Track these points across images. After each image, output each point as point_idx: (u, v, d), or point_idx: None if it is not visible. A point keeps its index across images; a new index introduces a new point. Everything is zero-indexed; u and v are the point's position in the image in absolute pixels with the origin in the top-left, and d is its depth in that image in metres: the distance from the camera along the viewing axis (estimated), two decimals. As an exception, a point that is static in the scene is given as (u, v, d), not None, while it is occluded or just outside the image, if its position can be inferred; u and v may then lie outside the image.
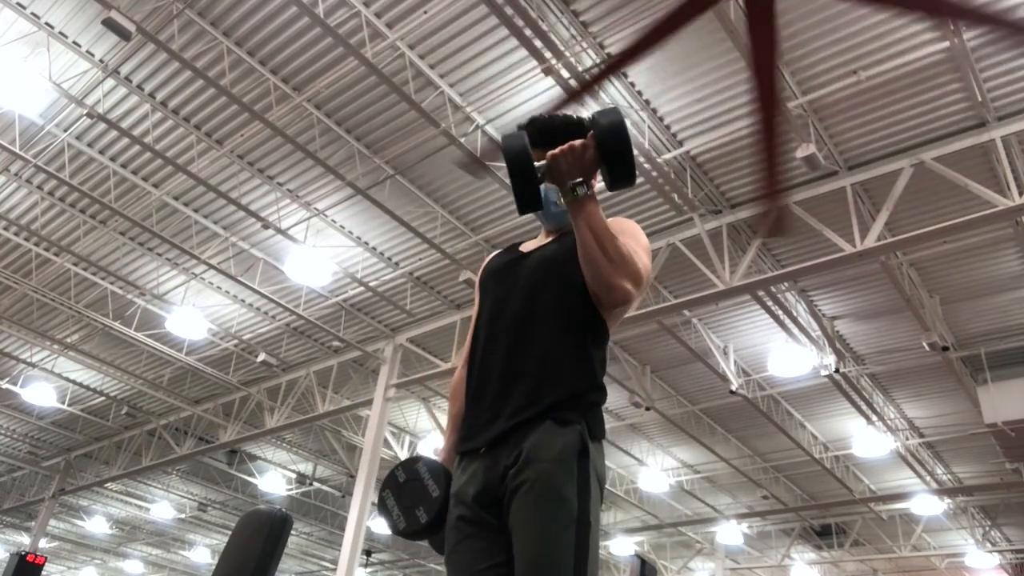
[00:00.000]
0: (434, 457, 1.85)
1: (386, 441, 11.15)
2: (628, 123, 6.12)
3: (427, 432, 12.21)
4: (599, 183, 1.79)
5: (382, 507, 1.80)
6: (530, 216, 1.88)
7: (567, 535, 1.49)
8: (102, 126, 7.03)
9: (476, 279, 1.99)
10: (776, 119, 0.99)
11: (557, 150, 1.64)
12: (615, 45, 5.85)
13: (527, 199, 1.66)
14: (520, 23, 5.37)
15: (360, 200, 7.45)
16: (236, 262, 8.58)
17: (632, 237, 1.81)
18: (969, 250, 7.56)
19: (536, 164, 1.67)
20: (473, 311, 1.93)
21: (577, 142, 1.64)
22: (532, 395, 1.64)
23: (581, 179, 1.64)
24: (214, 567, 2.23)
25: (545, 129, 1.84)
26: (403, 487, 1.79)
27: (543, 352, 1.69)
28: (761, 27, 0.95)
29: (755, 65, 0.97)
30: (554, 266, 1.78)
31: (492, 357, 1.74)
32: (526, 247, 1.93)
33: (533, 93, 6.29)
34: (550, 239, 1.90)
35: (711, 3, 1.00)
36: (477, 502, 1.63)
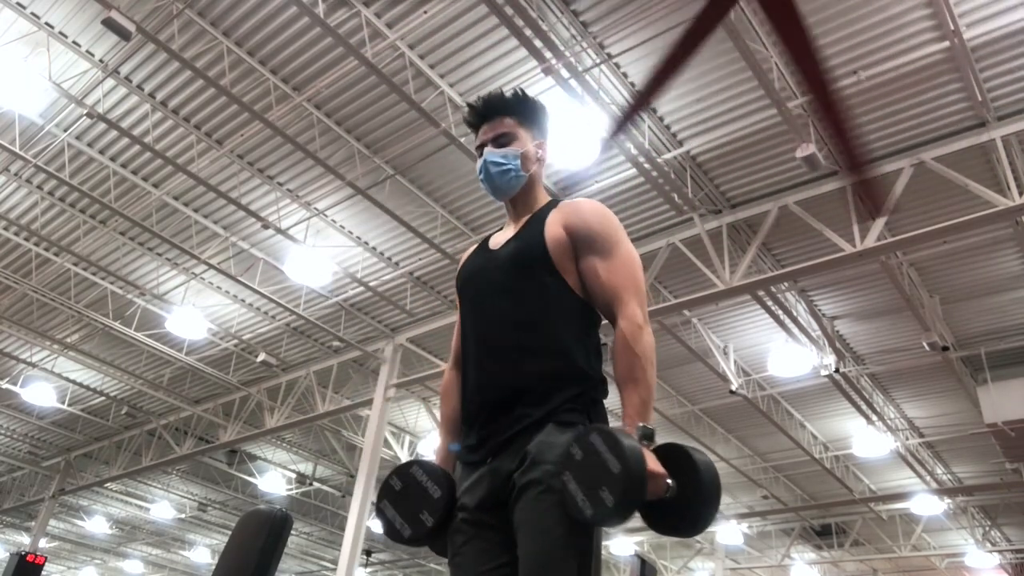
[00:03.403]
0: (428, 460, 1.81)
1: (386, 441, 11.15)
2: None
3: (427, 432, 12.21)
4: None
5: (381, 517, 1.74)
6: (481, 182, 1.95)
7: (572, 536, 1.50)
8: (102, 126, 7.03)
9: (455, 282, 1.98)
10: (831, 93, 0.97)
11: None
12: (615, 45, 5.85)
13: None
14: (520, 23, 5.37)
15: (360, 200, 7.44)
16: (236, 262, 8.58)
17: (611, 250, 1.74)
18: (969, 250, 7.56)
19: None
20: (456, 314, 1.93)
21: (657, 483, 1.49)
22: (533, 399, 1.65)
23: (646, 428, 1.54)
24: (214, 567, 2.23)
25: (488, 107, 1.92)
26: (400, 494, 1.73)
27: (534, 354, 1.69)
28: (784, 16, 0.95)
29: (792, 51, 0.97)
30: (525, 267, 1.76)
31: (486, 367, 1.74)
32: (494, 241, 1.92)
33: (533, 93, 6.27)
34: (514, 231, 1.89)
35: (727, 9, 0.99)
36: (481, 505, 1.64)
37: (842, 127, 0.98)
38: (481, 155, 1.90)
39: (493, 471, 1.64)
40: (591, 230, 1.76)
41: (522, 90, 1.95)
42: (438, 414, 10.35)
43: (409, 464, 1.79)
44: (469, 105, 1.96)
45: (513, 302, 1.74)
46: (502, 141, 1.88)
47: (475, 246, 1.99)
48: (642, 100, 1.32)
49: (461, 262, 1.98)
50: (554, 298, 1.72)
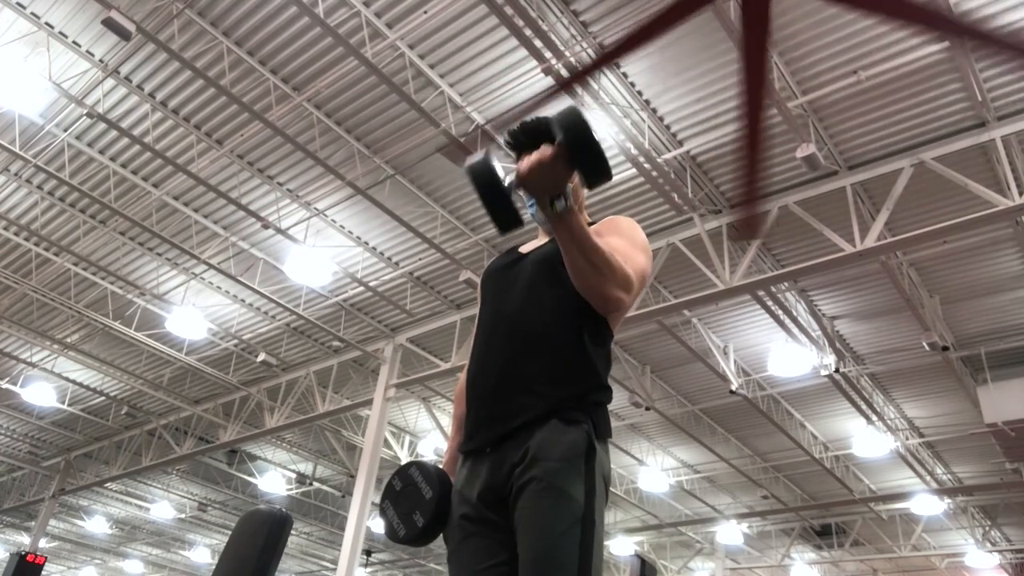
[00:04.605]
0: (427, 460, 1.86)
1: (386, 441, 11.16)
2: (628, 123, 6.07)
3: (427, 432, 12.20)
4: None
5: (383, 517, 1.81)
6: (529, 218, 1.89)
7: (572, 534, 1.49)
8: (102, 126, 7.03)
9: (478, 282, 2.00)
10: (762, 119, 0.95)
11: (524, 168, 1.52)
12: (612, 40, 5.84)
13: (505, 220, 1.58)
14: (520, 23, 5.37)
15: (360, 200, 7.45)
16: (236, 262, 8.58)
17: (627, 237, 1.80)
18: (969, 250, 7.56)
19: (509, 181, 1.60)
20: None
21: (545, 154, 1.51)
22: (533, 393, 1.64)
23: (558, 193, 1.52)
24: (214, 567, 2.23)
25: (527, 133, 1.82)
26: (400, 494, 1.79)
27: (541, 350, 1.68)
28: (755, 23, 0.92)
29: (746, 62, 0.94)
30: (550, 265, 1.76)
31: (491, 357, 1.74)
32: (525, 248, 1.94)
33: (533, 93, 6.29)
34: (548, 239, 1.89)
35: (705, 1, 0.97)
36: (481, 500, 1.62)
37: (757, 152, 0.95)
38: None
39: (494, 463, 1.63)
40: (619, 226, 1.84)
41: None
42: (438, 414, 10.28)
43: (408, 465, 1.82)
44: (511, 131, 1.89)
45: (532, 300, 1.74)
46: None
47: (503, 252, 2.02)
48: (601, 62, 1.27)
49: (487, 265, 2.01)
50: (573, 303, 1.71)
